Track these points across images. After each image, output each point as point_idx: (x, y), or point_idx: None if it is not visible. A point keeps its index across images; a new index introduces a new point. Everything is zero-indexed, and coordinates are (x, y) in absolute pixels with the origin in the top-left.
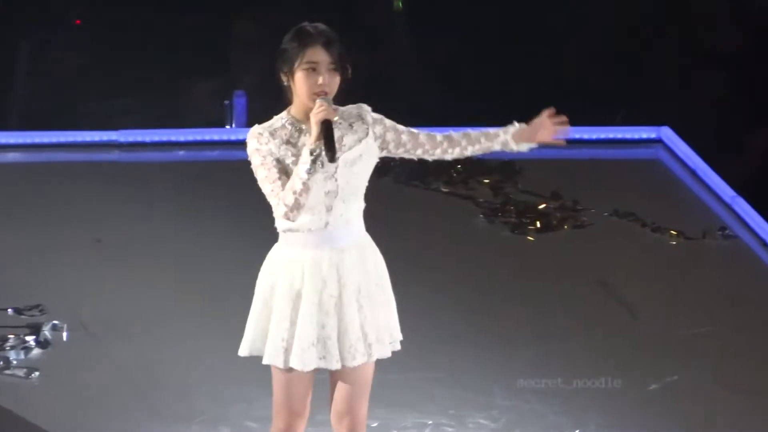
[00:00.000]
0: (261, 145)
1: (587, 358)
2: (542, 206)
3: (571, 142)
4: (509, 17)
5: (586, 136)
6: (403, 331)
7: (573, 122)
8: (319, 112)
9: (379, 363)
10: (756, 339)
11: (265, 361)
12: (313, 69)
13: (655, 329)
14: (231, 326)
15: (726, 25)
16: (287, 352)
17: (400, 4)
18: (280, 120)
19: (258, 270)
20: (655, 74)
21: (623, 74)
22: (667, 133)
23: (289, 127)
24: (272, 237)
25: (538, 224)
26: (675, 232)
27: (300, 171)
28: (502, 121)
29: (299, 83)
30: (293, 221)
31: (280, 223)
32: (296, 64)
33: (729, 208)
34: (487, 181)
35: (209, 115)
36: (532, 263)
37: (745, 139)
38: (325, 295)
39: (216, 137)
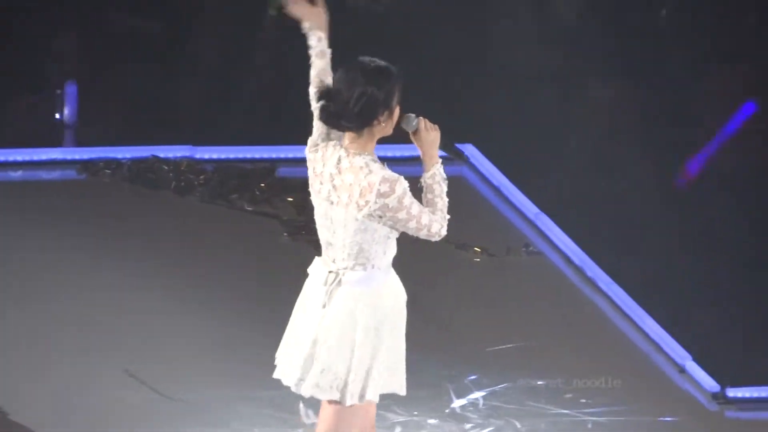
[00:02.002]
0: (405, 185)
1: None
2: None
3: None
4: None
5: (389, 154)
6: (209, 348)
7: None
8: (432, 128)
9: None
10: (562, 353)
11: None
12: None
13: (462, 345)
14: (57, 347)
15: (522, 44)
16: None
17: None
18: (377, 160)
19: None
20: (458, 94)
21: (426, 93)
22: (470, 151)
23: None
24: (107, 255)
25: None
26: (479, 249)
27: (444, 188)
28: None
29: (395, 116)
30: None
31: (389, 254)
32: (394, 101)
33: (533, 224)
34: (290, 199)
35: (32, 134)
36: None
37: (549, 158)
38: None
39: (44, 157)
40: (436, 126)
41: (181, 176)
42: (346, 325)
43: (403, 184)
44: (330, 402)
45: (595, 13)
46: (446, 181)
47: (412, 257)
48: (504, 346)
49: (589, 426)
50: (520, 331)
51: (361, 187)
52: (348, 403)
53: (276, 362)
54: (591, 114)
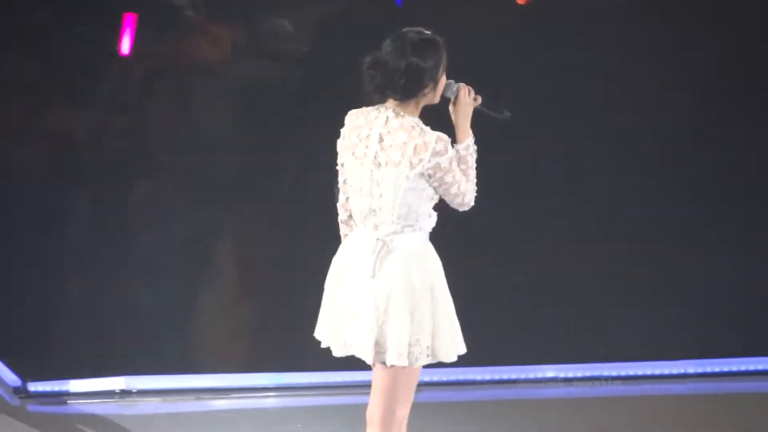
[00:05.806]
0: (450, 150)
1: None
2: None
3: None
4: None
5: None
6: None
7: None
8: (472, 97)
9: None
10: None
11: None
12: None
13: None
14: None
15: None
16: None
17: None
18: (419, 123)
19: None
20: None
21: None
22: None
23: None
24: None
25: None
26: None
27: (475, 157)
28: None
29: (440, 86)
30: None
31: (433, 218)
32: (440, 72)
33: None
34: None
35: None
36: None
37: None
38: None
39: None
40: (478, 96)
41: None
42: (404, 289)
43: (451, 152)
44: (391, 365)
45: None
46: (476, 154)
47: None
48: None
49: None
50: None
51: (416, 145)
52: (418, 364)
53: (323, 341)
54: None
